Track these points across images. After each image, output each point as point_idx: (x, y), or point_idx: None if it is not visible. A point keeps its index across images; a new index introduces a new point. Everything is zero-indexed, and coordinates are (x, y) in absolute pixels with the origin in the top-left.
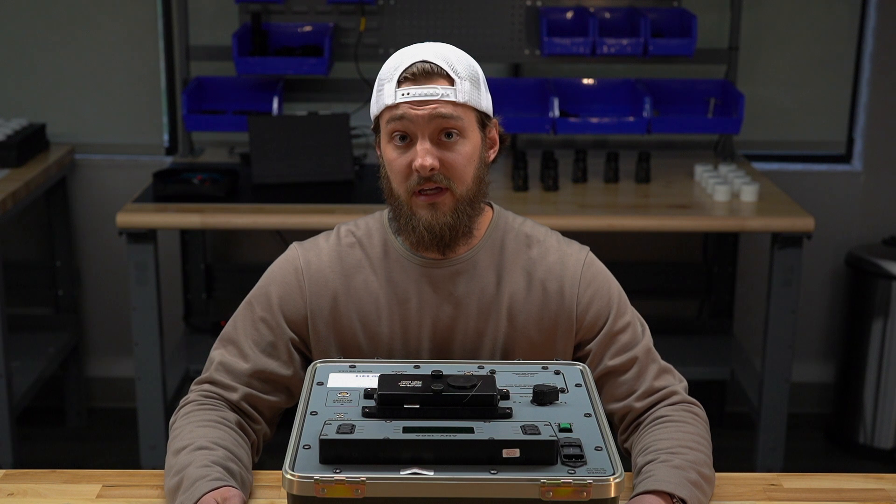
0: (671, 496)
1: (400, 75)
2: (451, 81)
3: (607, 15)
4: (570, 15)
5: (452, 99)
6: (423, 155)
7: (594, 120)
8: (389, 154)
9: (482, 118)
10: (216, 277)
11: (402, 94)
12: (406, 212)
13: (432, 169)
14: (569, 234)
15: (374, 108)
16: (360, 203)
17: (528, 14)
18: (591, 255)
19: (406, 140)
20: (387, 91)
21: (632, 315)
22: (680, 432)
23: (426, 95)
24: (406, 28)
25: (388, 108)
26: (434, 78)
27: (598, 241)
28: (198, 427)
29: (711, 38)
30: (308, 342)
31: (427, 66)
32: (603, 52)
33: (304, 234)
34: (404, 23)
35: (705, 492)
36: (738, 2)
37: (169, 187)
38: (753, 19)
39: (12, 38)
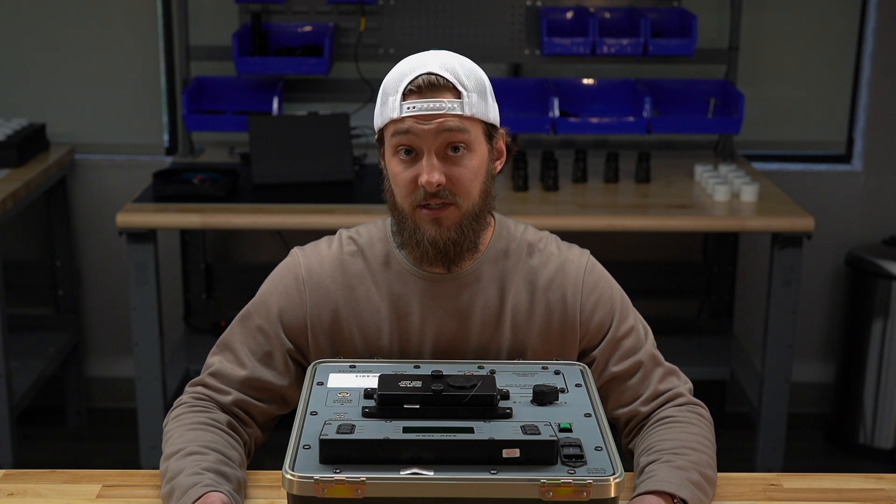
0: (672, 496)
1: (405, 88)
2: (458, 94)
3: (607, 15)
4: (570, 15)
5: (459, 112)
6: (430, 171)
7: (594, 120)
8: (394, 167)
9: (489, 130)
10: (216, 277)
11: (408, 108)
12: (410, 225)
13: (438, 185)
14: (569, 234)
15: (379, 120)
16: (360, 203)
17: (528, 14)
18: (592, 259)
19: (411, 154)
20: (391, 104)
21: (634, 318)
22: (684, 433)
23: (432, 109)
24: (406, 28)
25: (393, 121)
26: (440, 91)
27: (598, 241)
28: (188, 430)
29: (711, 38)
30: (306, 352)
31: (433, 78)
32: (603, 52)
33: (304, 234)
34: (404, 23)
35: (707, 493)
36: (738, 2)
37: (169, 187)
38: (753, 19)
39: (12, 38)
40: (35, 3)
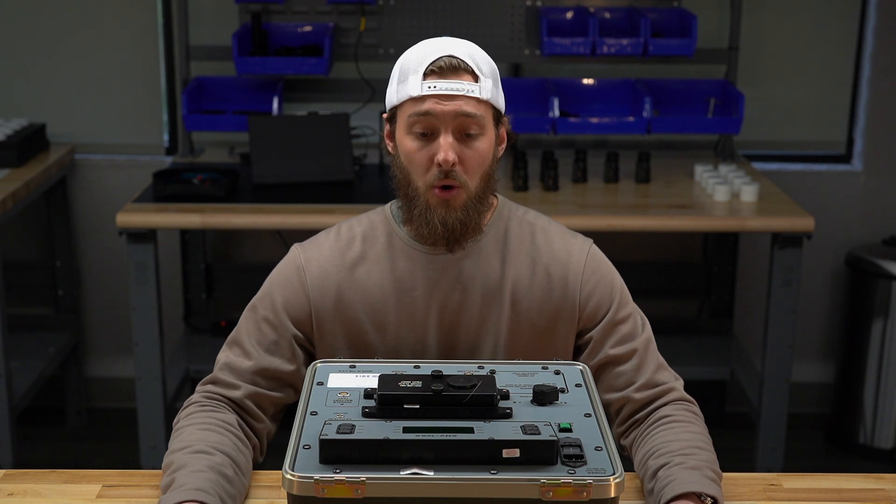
0: (698, 496)
1: (426, 68)
2: (476, 78)
3: (607, 15)
4: (570, 15)
5: (476, 95)
6: (447, 149)
7: (594, 120)
8: (408, 145)
9: (498, 115)
10: (216, 277)
11: (429, 87)
12: (422, 203)
13: (453, 164)
14: None
15: (395, 97)
16: (360, 203)
17: (528, 14)
18: (595, 246)
19: (427, 135)
20: (412, 82)
21: (633, 308)
22: (687, 433)
23: (452, 90)
24: (406, 28)
25: (413, 99)
26: (460, 73)
27: (598, 241)
28: (199, 430)
29: (711, 38)
30: (312, 338)
31: (454, 60)
32: (603, 52)
33: (304, 233)
34: (404, 23)
35: (721, 489)
36: (738, 2)
37: (169, 187)
38: (753, 19)
39: (12, 38)
40: (35, 3)
